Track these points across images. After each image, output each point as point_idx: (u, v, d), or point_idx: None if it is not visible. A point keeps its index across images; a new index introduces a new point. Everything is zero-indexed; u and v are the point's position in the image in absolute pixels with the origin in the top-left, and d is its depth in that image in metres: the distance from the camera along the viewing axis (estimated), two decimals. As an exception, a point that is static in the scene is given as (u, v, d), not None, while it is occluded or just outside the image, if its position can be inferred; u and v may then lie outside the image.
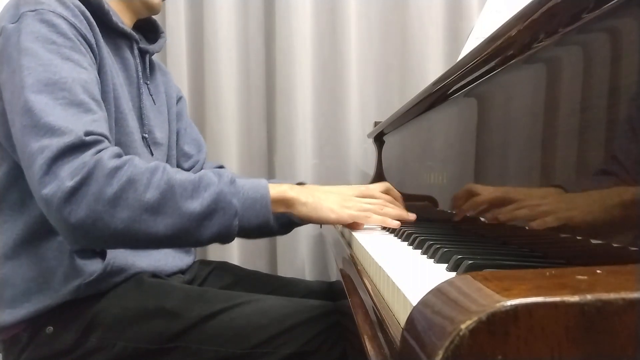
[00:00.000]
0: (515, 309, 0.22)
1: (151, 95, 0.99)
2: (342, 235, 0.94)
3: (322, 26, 1.56)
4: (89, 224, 0.65)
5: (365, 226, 0.85)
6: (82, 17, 0.78)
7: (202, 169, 1.10)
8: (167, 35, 1.44)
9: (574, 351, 0.22)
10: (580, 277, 0.25)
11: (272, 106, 1.57)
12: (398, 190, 0.95)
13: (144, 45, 0.97)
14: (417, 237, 0.67)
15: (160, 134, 0.99)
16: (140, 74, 0.94)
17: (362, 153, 1.58)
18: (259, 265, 1.56)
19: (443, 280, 0.28)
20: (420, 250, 0.62)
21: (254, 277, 1.09)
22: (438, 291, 0.27)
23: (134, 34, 0.93)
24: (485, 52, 0.62)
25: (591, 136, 0.45)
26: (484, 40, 0.62)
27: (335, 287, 0.96)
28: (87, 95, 0.72)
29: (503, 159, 0.65)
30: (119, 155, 0.69)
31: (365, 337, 0.43)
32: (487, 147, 0.70)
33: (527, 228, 0.56)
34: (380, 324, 0.43)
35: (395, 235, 0.79)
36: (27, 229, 0.79)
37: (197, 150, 1.12)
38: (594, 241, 0.44)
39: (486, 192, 0.68)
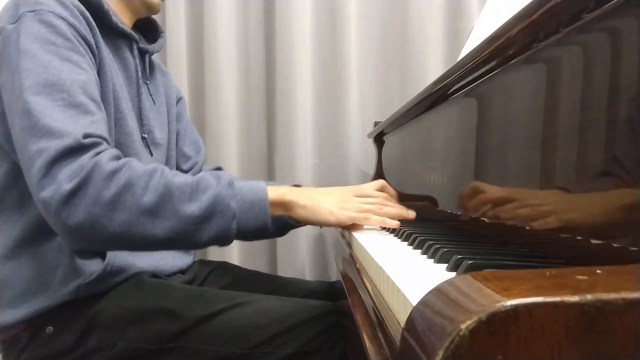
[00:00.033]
0: (515, 309, 0.22)
1: (151, 96, 0.99)
2: (342, 235, 0.94)
3: (322, 26, 1.56)
4: (87, 227, 0.65)
5: (365, 226, 0.85)
6: (81, 18, 0.78)
7: (200, 170, 1.10)
8: (167, 35, 1.44)
9: (574, 351, 0.22)
10: (580, 277, 0.25)
11: (272, 106, 1.57)
12: (398, 191, 0.95)
13: (143, 45, 0.97)
14: (417, 237, 0.67)
15: (159, 134, 0.99)
16: (139, 74, 0.94)
17: (362, 153, 1.58)
18: (259, 265, 1.56)
19: (443, 280, 0.28)
20: (420, 250, 0.62)
21: (254, 277, 1.09)
22: (438, 291, 0.27)
23: (134, 33, 0.93)
24: (485, 52, 0.62)
25: (591, 136, 0.45)
26: (484, 40, 0.62)
27: (335, 287, 0.96)
28: (86, 96, 0.72)
29: (503, 159, 0.65)
30: (117, 158, 0.69)
31: (365, 337, 0.43)
32: (487, 147, 0.70)
33: (527, 228, 0.56)
34: (380, 324, 0.43)
35: (395, 235, 0.79)
36: (27, 229, 0.79)
37: (196, 151, 1.12)
38: (594, 241, 0.44)
39: (492, 190, 0.68)
